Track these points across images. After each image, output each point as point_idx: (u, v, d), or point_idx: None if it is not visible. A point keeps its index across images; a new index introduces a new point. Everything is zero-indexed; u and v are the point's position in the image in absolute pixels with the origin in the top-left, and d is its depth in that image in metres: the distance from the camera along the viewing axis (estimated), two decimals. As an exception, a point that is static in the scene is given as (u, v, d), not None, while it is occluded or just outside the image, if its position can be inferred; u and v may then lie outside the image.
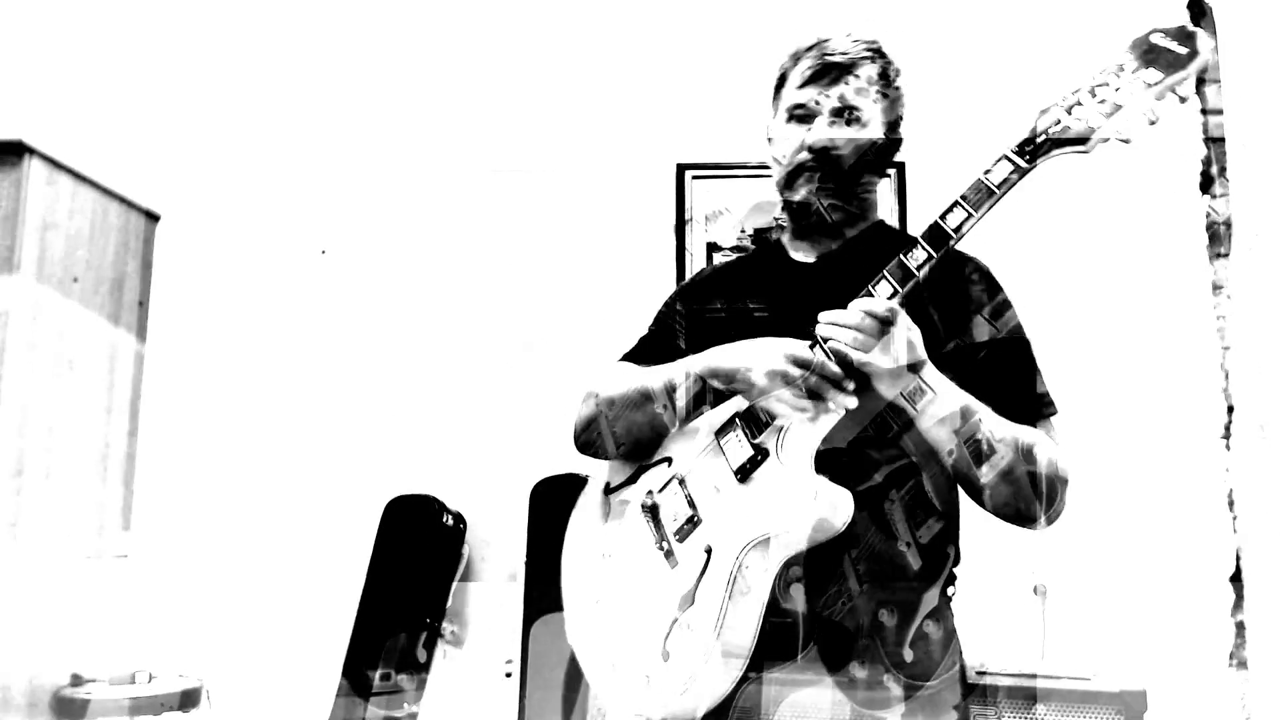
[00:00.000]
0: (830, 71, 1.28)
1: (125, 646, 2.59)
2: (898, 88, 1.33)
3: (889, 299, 1.15)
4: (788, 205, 1.32)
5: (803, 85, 1.29)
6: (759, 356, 1.17)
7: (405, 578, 2.65)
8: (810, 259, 1.34)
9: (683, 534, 1.20)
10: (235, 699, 2.65)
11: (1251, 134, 2.43)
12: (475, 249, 2.95)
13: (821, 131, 1.27)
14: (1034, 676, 2.29)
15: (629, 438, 1.31)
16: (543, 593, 2.51)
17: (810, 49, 1.31)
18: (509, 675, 2.58)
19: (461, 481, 2.77)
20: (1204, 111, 2.70)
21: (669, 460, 1.27)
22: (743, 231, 2.94)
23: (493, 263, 2.94)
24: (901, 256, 1.18)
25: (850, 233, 1.35)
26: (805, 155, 1.28)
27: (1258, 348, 2.46)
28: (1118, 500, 2.56)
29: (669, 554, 1.20)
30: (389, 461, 2.79)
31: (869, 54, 1.31)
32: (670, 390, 1.25)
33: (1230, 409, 2.60)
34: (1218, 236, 2.63)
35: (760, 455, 1.19)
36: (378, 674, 2.54)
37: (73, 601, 2.58)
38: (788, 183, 1.30)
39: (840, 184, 1.29)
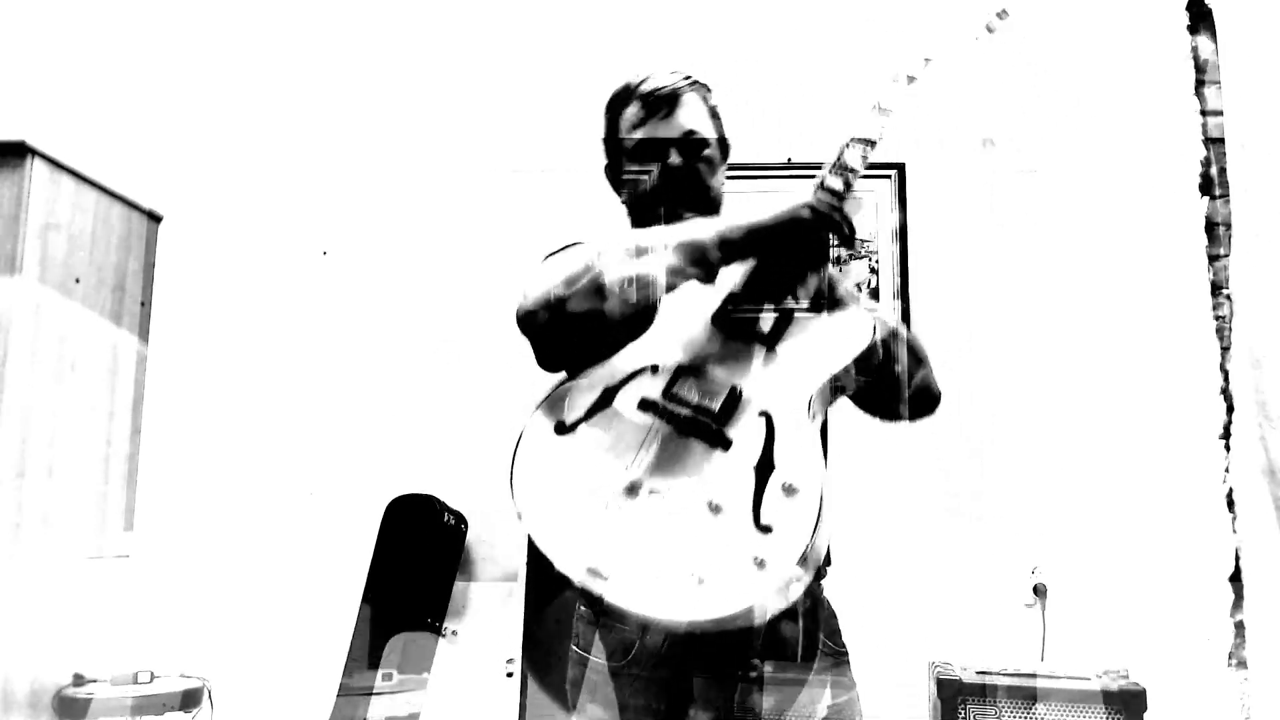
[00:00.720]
0: (663, 105, 1.37)
1: (127, 646, 2.60)
2: (715, 106, 1.42)
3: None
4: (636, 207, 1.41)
5: (640, 124, 1.38)
6: (799, 197, 1.23)
7: (406, 578, 2.65)
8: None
9: (727, 415, 1.14)
10: (237, 699, 2.66)
11: (1251, 134, 2.43)
12: (476, 249, 2.95)
13: (675, 158, 1.36)
14: (1034, 676, 2.30)
15: (621, 311, 1.27)
16: (543, 593, 2.51)
17: (633, 89, 1.40)
18: (509, 675, 2.58)
19: (462, 481, 2.77)
20: (1203, 113, 2.70)
21: (654, 367, 1.22)
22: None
23: (493, 263, 2.95)
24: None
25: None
26: (660, 182, 1.37)
27: (1258, 348, 2.47)
28: (1118, 500, 2.56)
29: (721, 440, 1.13)
30: (390, 461, 2.80)
31: (686, 81, 1.40)
32: (701, 248, 1.22)
33: (1230, 409, 2.60)
34: (1217, 237, 2.63)
35: (785, 317, 1.23)
36: (379, 674, 2.54)
37: (75, 601, 2.59)
38: (648, 208, 1.39)
39: (697, 203, 1.36)
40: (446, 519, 2.71)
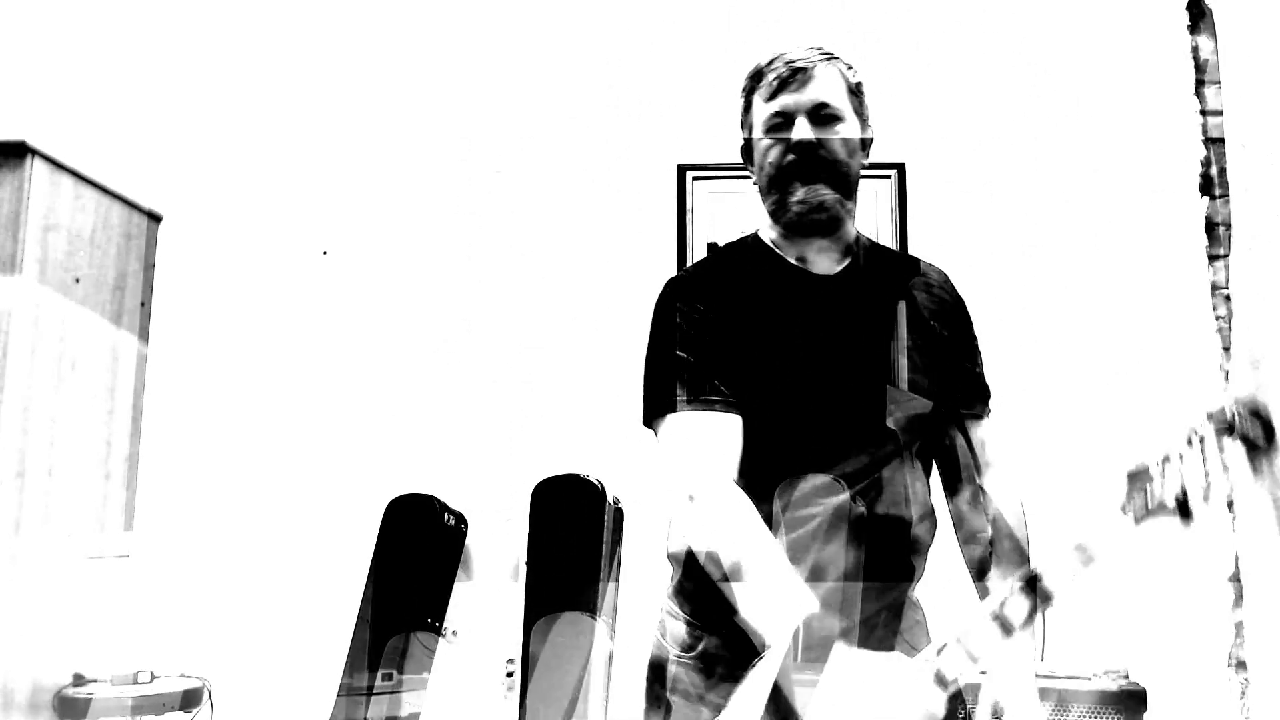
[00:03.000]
0: (797, 76, 1.33)
1: (127, 646, 2.60)
2: (859, 84, 1.38)
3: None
4: (780, 211, 1.34)
5: (773, 96, 1.33)
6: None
7: (406, 578, 2.65)
8: (825, 269, 1.36)
9: None
10: (237, 699, 2.66)
11: (1251, 134, 2.43)
12: (476, 250, 2.95)
13: (805, 129, 1.31)
14: (1034, 676, 2.29)
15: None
16: (543, 593, 2.51)
17: (770, 64, 1.35)
18: (509, 675, 2.58)
19: (462, 481, 2.77)
20: (1203, 113, 2.70)
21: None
22: (743, 232, 2.94)
23: (494, 263, 2.95)
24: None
25: (846, 237, 1.37)
26: (792, 156, 1.31)
27: (1257, 348, 2.46)
28: (1117, 500, 2.55)
29: None
30: (390, 461, 2.80)
31: (826, 56, 1.36)
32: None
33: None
34: (1217, 237, 2.63)
35: None
36: (379, 674, 2.54)
37: (75, 601, 2.59)
38: (780, 187, 1.33)
39: (831, 178, 1.31)
40: (446, 519, 2.71)
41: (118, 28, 2.99)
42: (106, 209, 2.81)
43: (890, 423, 1.28)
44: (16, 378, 2.47)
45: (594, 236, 2.93)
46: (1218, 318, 2.60)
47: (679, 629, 1.32)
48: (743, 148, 1.42)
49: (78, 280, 2.69)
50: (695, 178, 2.93)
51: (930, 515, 1.33)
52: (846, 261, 1.36)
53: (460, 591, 2.74)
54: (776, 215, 1.34)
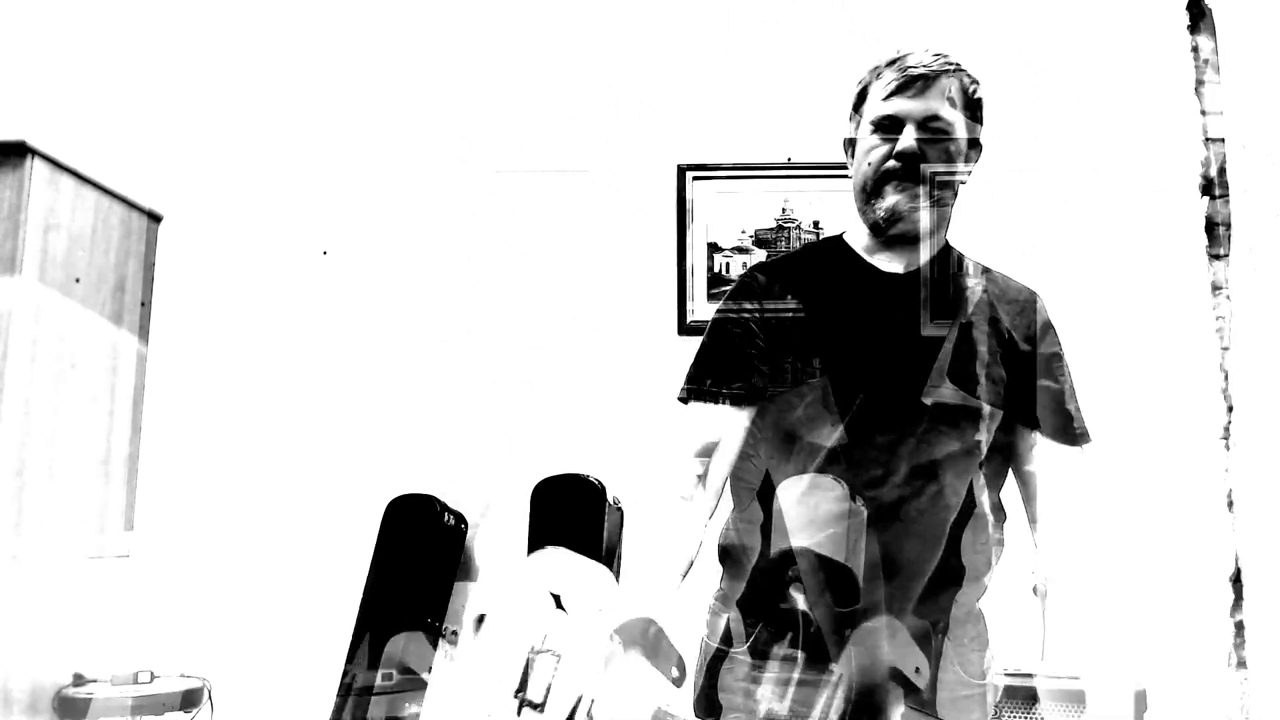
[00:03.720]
0: (915, 84, 1.31)
1: (127, 646, 2.60)
2: (978, 100, 1.38)
3: None
4: (869, 213, 1.34)
5: (888, 97, 1.32)
6: None
7: (406, 578, 2.65)
8: (897, 268, 1.36)
9: None
10: (237, 699, 2.66)
11: (1251, 135, 2.42)
12: (477, 249, 2.95)
13: (911, 139, 1.30)
14: (1034, 676, 2.30)
15: None
16: (543, 593, 2.50)
17: (892, 63, 1.34)
18: (510, 675, 2.58)
19: (462, 481, 2.77)
20: (1203, 113, 2.70)
21: None
22: (743, 232, 2.94)
23: (494, 263, 2.95)
24: None
25: (928, 248, 1.38)
26: (894, 163, 1.31)
27: (1258, 348, 2.46)
28: (1117, 500, 2.56)
29: None
30: (390, 461, 2.79)
31: (949, 66, 1.34)
32: None
33: (1230, 409, 2.60)
34: (1217, 237, 2.63)
35: None
36: (379, 674, 2.54)
37: (75, 601, 2.59)
38: (875, 190, 1.33)
39: (928, 190, 1.32)
40: (446, 519, 2.71)
41: (118, 28, 2.99)
42: (106, 209, 2.81)
43: (930, 405, 1.26)
44: (16, 378, 2.46)
45: (594, 236, 2.93)
46: (1218, 318, 2.60)
47: (728, 623, 1.34)
48: (846, 140, 1.41)
49: (78, 280, 2.69)
50: (695, 178, 2.92)
51: (988, 522, 1.34)
52: (921, 265, 1.36)
53: (460, 591, 2.74)
54: (865, 215, 1.35)
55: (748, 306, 1.38)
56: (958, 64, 1.35)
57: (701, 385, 1.34)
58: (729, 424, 1.31)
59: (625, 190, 2.96)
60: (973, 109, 1.37)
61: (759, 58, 2.90)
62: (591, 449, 2.66)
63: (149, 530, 2.82)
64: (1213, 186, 2.65)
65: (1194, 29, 2.73)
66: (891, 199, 1.31)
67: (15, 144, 2.51)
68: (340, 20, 3.02)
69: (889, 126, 1.32)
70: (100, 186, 2.77)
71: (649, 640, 1.02)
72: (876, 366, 1.30)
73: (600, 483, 2.60)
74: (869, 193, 1.33)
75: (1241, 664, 2.46)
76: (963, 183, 1.36)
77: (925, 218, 1.32)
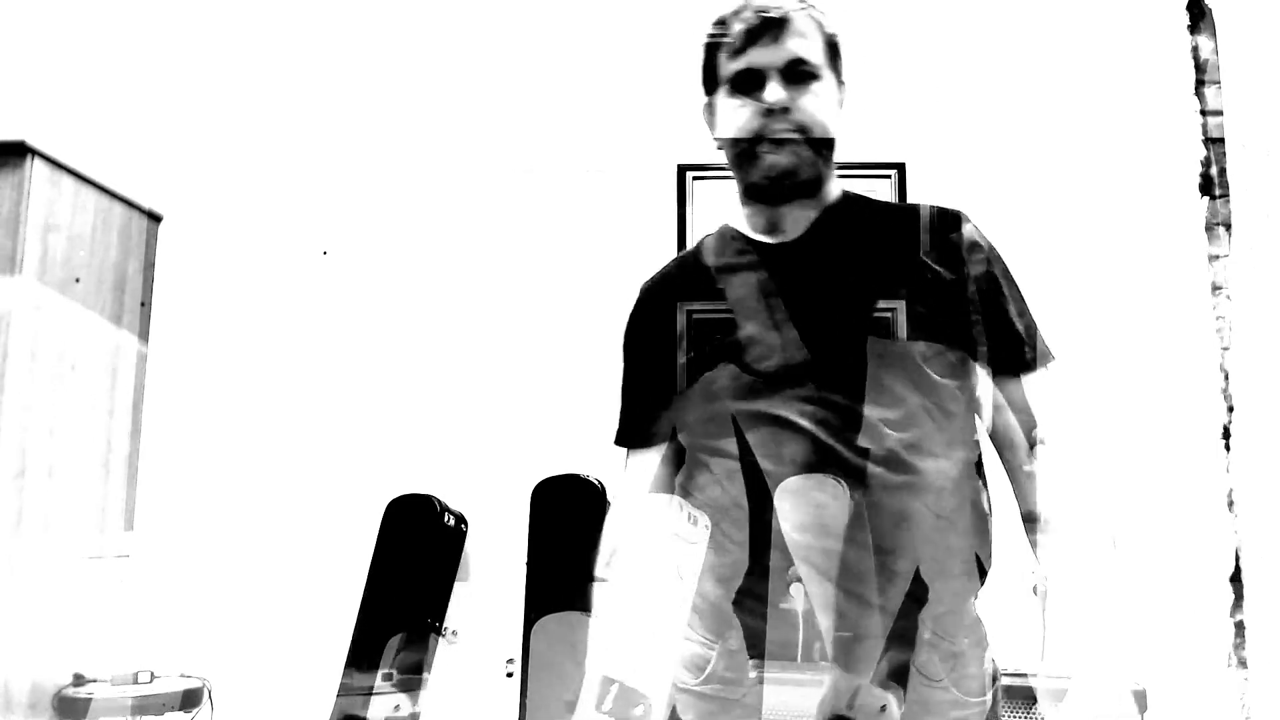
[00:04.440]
0: (768, 29, 1.17)
1: (127, 646, 2.60)
2: (834, 35, 1.22)
3: None
4: (748, 176, 1.22)
5: (740, 50, 1.18)
6: None
7: (406, 578, 2.65)
8: (786, 237, 1.22)
9: None
10: (237, 699, 2.66)
11: (1251, 134, 2.43)
12: (476, 249, 2.95)
13: (778, 91, 1.16)
14: (1034, 676, 2.30)
15: None
16: (543, 593, 2.51)
17: (736, 13, 1.20)
18: (509, 675, 2.58)
19: (462, 481, 2.77)
20: (1204, 113, 2.70)
21: None
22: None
23: (493, 263, 2.95)
24: None
25: (826, 199, 1.23)
26: (762, 120, 1.17)
27: (1258, 348, 2.46)
28: (1117, 500, 2.55)
29: None
30: (390, 461, 2.79)
31: (799, 4, 1.19)
32: None
33: (1230, 409, 2.60)
34: (1217, 237, 2.63)
35: None
36: (379, 674, 2.54)
37: (75, 601, 2.59)
38: (749, 154, 1.20)
39: (811, 142, 1.18)
40: (446, 519, 2.71)
41: (118, 28, 2.99)
42: (106, 209, 2.81)
43: (880, 370, 1.13)
44: (16, 378, 2.46)
45: (594, 236, 2.93)
46: (1218, 318, 2.60)
47: (690, 650, 1.22)
48: (705, 106, 1.29)
49: (78, 280, 2.69)
50: (695, 178, 2.92)
51: (969, 492, 1.18)
52: (810, 224, 1.22)
53: (460, 591, 2.74)
54: (744, 180, 1.23)
55: (644, 329, 1.33)
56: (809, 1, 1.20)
57: (631, 435, 1.32)
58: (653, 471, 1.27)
59: (625, 190, 2.96)
60: (833, 46, 1.22)
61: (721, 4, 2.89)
62: (591, 449, 2.66)
63: (149, 530, 2.82)
64: (1213, 186, 2.66)
65: (1194, 29, 2.74)
66: (769, 159, 1.18)
67: (15, 144, 2.51)
68: (339, 21, 3.02)
69: (749, 82, 1.18)
70: (100, 186, 2.77)
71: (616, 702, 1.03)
72: (782, 353, 1.16)
73: (600, 483, 2.60)
74: (743, 157, 1.20)
75: (1241, 664, 2.46)
76: (839, 127, 1.22)
77: (809, 172, 1.18)
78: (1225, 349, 2.57)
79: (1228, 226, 2.58)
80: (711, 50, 1.24)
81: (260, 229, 2.96)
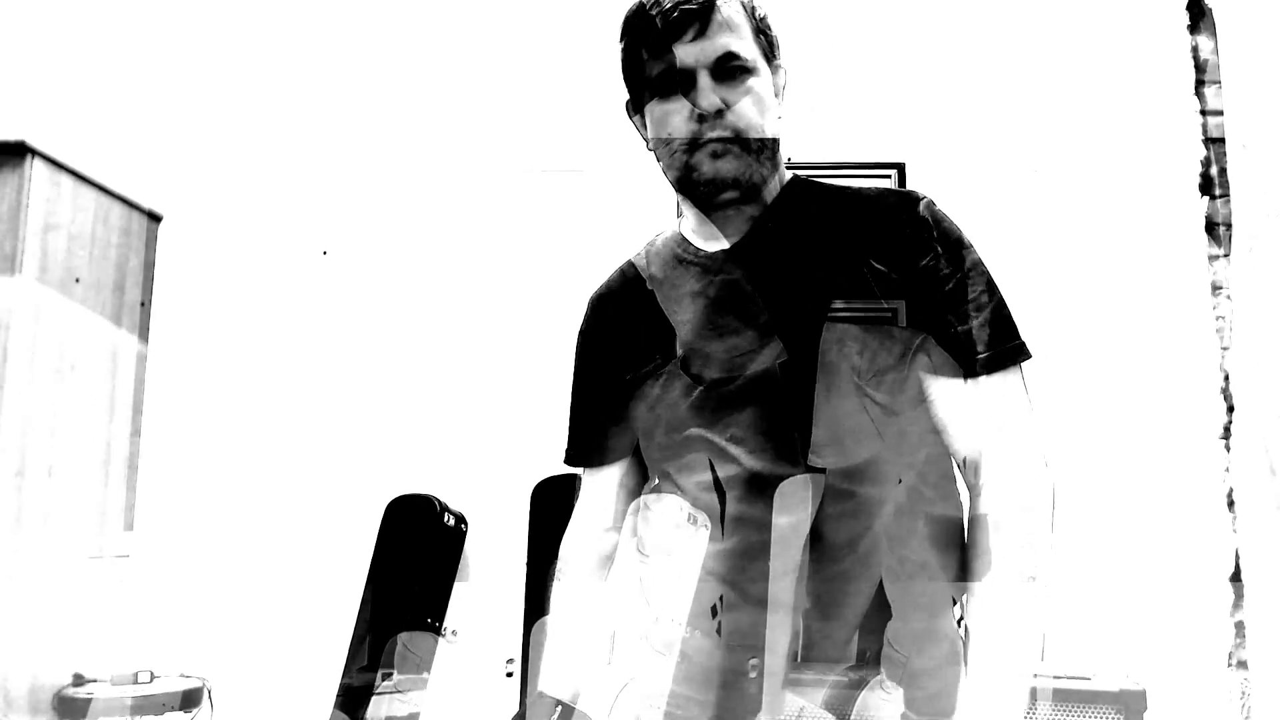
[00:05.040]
0: (690, 22, 1.05)
1: (127, 646, 2.60)
2: (764, 16, 1.11)
3: None
4: (688, 190, 1.12)
5: (662, 48, 1.06)
6: None
7: (406, 578, 2.65)
8: (734, 236, 1.12)
9: None
10: (237, 699, 2.66)
11: (1251, 135, 2.43)
12: (476, 249, 2.95)
13: (710, 94, 1.05)
14: (1034, 676, 2.29)
15: None
16: (543, 593, 2.51)
17: (650, 8, 1.07)
18: (509, 675, 2.58)
19: (463, 481, 2.77)
20: (1204, 113, 2.70)
21: None
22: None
23: (493, 263, 2.95)
24: None
25: (768, 197, 1.12)
26: (694, 126, 1.07)
27: (1258, 348, 2.46)
28: (1117, 500, 2.56)
29: None
30: (390, 461, 2.79)
31: None
32: None
33: (1230, 409, 2.60)
34: (1218, 237, 2.63)
35: None
36: (379, 674, 2.54)
37: (75, 601, 2.59)
38: (682, 160, 1.09)
39: (750, 145, 1.07)
40: (446, 519, 2.71)
41: (118, 28, 2.99)
42: (106, 209, 2.81)
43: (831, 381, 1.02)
44: (16, 378, 2.46)
45: (594, 236, 2.93)
46: (1218, 318, 2.60)
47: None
48: (628, 105, 1.20)
49: (78, 280, 2.69)
50: (695, 178, 2.92)
51: (936, 502, 1.07)
52: (749, 227, 1.12)
53: (460, 591, 2.74)
54: (683, 191, 1.13)
55: (590, 342, 1.27)
56: None
57: (577, 455, 1.26)
58: (602, 491, 1.21)
59: (625, 190, 2.96)
60: (764, 30, 1.10)
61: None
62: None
63: (149, 530, 2.82)
64: (1213, 186, 2.66)
65: (1194, 29, 2.74)
66: (709, 169, 1.07)
67: (15, 144, 2.51)
68: (339, 21, 3.02)
69: (676, 82, 1.07)
70: (100, 186, 2.77)
71: None
72: (722, 364, 1.07)
73: (600, 483, 2.60)
74: (677, 167, 1.10)
75: (1242, 664, 2.46)
76: (779, 117, 1.12)
77: (750, 177, 1.08)
78: (1225, 349, 2.57)
79: (1228, 226, 2.58)
80: (631, 49, 1.12)
81: (260, 229, 2.96)
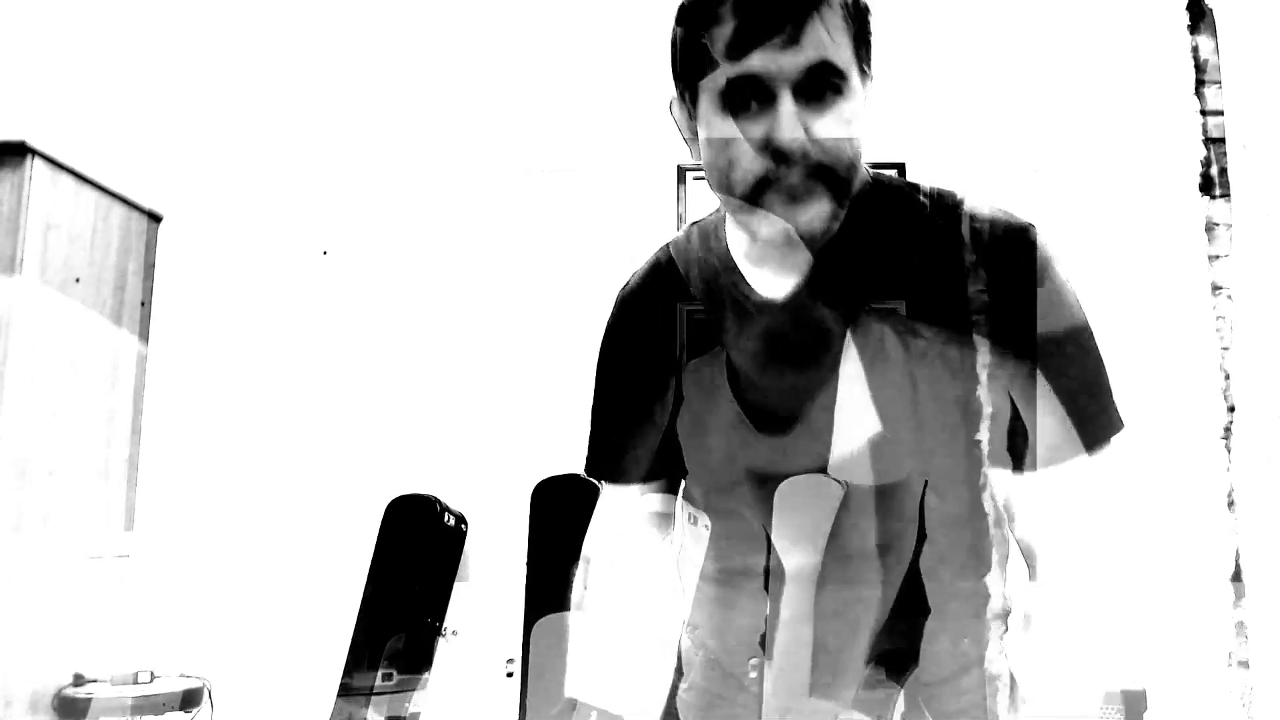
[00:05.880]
0: (782, 23, 0.80)
1: (127, 646, 2.60)
2: (866, 12, 0.89)
3: None
4: (748, 229, 0.91)
5: (739, 49, 0.81)
6: None
7: (407, 578, 2.65)
8: (788, 284, 0.92)
9: None
10: (237, 699, 2.66)
11: (1251, 135, 2.43)
12: (475, 249, 2.95)
13: (793, 124, 0.81)
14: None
15: None
16: (543, 593, 2.51)
17: None
18: (510, 675, 2.58)
19: (463, 482, 2.77)
20: (1204, 113, 2.70)
21: None
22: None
23: (493, 263, 2.95)
24: None
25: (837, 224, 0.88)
26: (768, 159, 0.82)
27: (1258, 348, 2.46)
28: (1118, 500, 2.56)
29: None
30: (390, 461, 2.80)
31: None
32: None
33: (1230, 409, 2.60)
34: (1217, 237, 2.63)
35: None
36: (379, 674, 2.54)
37: (75, 601, 2.59)
38: (749, 198, 0.85)
39: (830, 186, 0.84)
40: (446, 519, 2.71)
41: (118, 28, 2.99)
42: (106, 209, 2.81)
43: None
44: (17, 377, 2.46)
45: (594, 236, 2.93)
46: (1218, 318, 2.60)
47: (684, 649, 1.11)
48: (675, 102, 0.94)
49: (78, 280, 2.69)
50: (695, 178, 2.93)
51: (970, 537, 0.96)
52: (805, 273, 0.90)
53: (460, 591, 2.74)
54: (739, 221, 0.91)
55: (623, 343, 1.09)
56: None
57: (603, 470, 1.13)
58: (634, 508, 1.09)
59: (625, 190, 2.96)
60: (861, 24, 0.87)
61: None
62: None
63: (149, 530, 2.82)
64: (1213, 186, 2.66)
65: (1194, 29, 2.73)
66: (780, 214, 0.84)
67: (16, 144, 2.51)
68: (339, 21, 3.02)
69: (748, 93, 0.82)
70: (100, 186, 2.77)
71: None
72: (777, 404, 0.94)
73: (600, 483, 2.60)
74: (741, 209, 0.87)
75: (1242, 664, 2.46)
76: (858, 152, 0.88)
77: (826, 225, 0.86)
78: (1225, 349, 2.57)
79: (1228, 226, 2.58)
80: (691, 40, 0.86)
81: (260, 229, 2.96)
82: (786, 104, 0.81)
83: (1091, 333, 0.99)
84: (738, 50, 0.81)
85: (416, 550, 2.67)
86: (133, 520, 2.83)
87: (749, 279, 0.94)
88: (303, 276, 2.94)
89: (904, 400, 0.89)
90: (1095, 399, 0.99)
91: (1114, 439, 1.00)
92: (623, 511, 1.12)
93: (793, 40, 0.80)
